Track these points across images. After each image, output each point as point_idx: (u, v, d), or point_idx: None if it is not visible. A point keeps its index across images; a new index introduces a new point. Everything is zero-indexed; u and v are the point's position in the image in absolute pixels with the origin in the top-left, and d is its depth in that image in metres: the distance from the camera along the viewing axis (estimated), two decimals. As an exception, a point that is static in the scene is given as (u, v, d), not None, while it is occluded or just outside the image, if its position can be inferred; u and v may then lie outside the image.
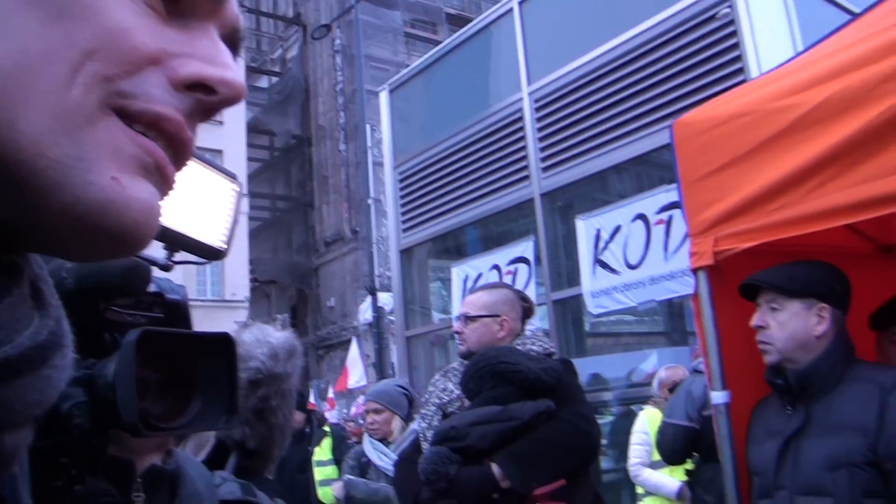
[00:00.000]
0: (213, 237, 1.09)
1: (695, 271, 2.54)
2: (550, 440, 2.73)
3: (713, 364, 2.50)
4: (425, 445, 2.96)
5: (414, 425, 3.92)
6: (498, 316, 3.10)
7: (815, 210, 2.28)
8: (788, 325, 2.30)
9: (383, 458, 4.17)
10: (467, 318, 3.11)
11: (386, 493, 3.96)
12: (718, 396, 2.51)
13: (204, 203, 1.06)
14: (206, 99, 0.47)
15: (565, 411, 2.78)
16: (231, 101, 0.48)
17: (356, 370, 14.18)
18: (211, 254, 1.09)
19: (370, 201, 17.11)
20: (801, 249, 3.03)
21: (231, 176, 1.13)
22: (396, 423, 4.24)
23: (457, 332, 3.18)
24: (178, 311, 0.93)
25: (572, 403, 2.83)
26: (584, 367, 6.99)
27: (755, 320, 2.38)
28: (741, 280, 2.49)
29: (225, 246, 1.10)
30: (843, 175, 2.22)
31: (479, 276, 7.31)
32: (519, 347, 3.00)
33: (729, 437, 2.44)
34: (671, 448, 4.09)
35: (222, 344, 0.77)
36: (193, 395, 0.75)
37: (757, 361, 2.42)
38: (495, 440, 2.73)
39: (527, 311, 3.23)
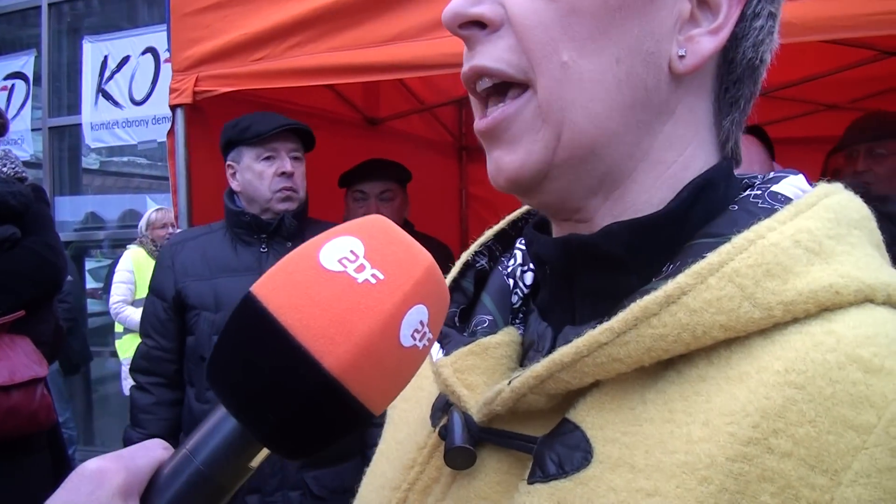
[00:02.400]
0: None
1: (173, 108, 2.50)
2: (11, 269, 2.54)
3: (181, 202, 2.55)
4: None
5: None
6: (-42, 130, 2.74)
7: (292, 67, 2.39)
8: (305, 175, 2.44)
9: None
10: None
11: None
12: (183, 234, 2.58)
13: None
14: None
15: (31, 240, 2.60)
16: None
17: None
18: None
19: None
20: (292, 107, 3.20)
21: None
22: None
23: None
24: None
25: (40, 232, 2.66)
26: (80, 205, 6.56)
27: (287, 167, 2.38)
28: (222, 123, 2.52)
29: None
30: (322, 39, 2.35)
31: (-31, 88, 6.25)
32: (-17, 168, 2.69)
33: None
34: None
35: None
36: None
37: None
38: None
39: (-3, 128, 2.89)
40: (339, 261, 0.47)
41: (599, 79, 0.54)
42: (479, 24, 0.56)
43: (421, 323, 0.48)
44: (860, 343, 0.46)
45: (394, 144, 3.68)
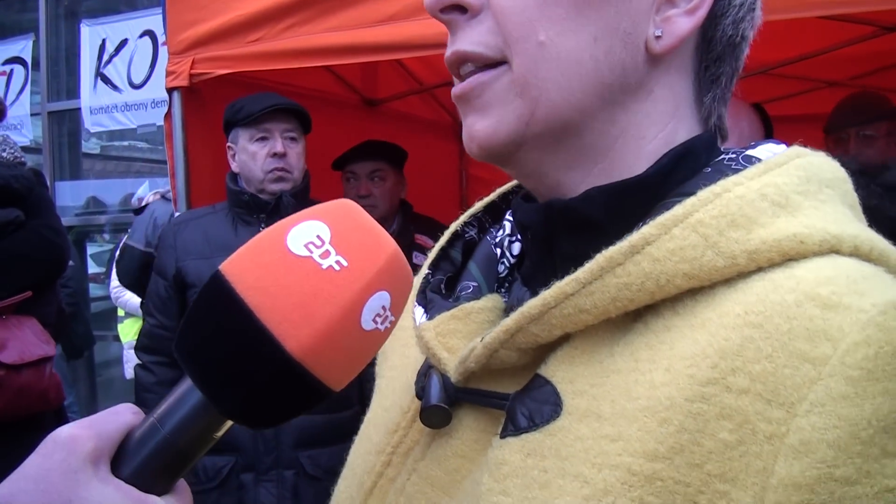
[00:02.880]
0: None
1: (170, 91, 2.50)
2: (16, 251, 2.56)
3: (179, 185, 2.55)
4: None
5: None
6: (-36, 115, 2.75)
7: (289, 48, 2.39)
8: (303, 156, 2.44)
9: None
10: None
11: None
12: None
13: None
14: None
15: (34, 223, 2.61)
16: None
17: None
18: None
19: None
20: (290, 89, 3.19)
21: None
22: None
23: None
24: None
25: (43, 215, 2.67)
26: (81, 190, 6.56)
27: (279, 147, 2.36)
28: (219, 105, 2.52)
29: None
30: (318, 19, 2.35)
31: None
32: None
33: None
34: (126, 270, 4.06)
35: None
36: None
37: (222, 185, 2.50)
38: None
39: (-6, 113, 2.90)
40: (306, 245, 0.49)
41: (577, 58, 0.55)
42: (460, 8, 0.57)
43: (383, 308, 0.50)
44: (819, 283, 0.46)
45: (392, 126, 3.67)
